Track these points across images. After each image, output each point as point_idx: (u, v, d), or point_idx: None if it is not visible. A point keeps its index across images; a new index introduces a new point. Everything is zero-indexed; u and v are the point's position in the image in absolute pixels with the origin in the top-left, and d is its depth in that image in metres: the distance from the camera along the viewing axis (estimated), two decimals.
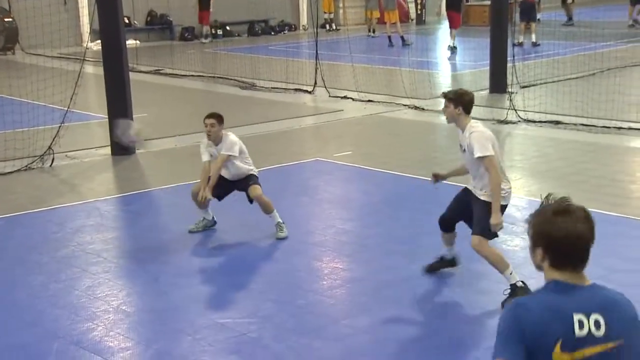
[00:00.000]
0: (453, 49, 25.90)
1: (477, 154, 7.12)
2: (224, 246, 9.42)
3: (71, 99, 13.54)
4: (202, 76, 21.46)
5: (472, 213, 7.46)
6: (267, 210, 9.38)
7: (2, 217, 10.44)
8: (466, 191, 7.62)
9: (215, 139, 9.26)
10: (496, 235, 7.50)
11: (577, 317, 3.44)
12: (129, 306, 7.91)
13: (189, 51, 26.99)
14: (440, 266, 8.00)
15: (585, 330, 3.42)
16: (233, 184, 9.47)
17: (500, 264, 7.32)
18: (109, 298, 7.98)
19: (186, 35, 29.80)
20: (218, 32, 30.54)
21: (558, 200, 3.57)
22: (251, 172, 9.46)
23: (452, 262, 7.99)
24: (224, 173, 9.38)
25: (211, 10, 28.79)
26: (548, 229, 3.47)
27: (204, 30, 29.48)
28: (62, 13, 25.60)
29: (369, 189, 11.74)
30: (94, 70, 17.75)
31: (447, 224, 7.80)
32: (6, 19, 25.70)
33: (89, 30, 26.36)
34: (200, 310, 7.81)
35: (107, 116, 13.57)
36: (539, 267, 3.56)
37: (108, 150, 13.37)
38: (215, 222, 9.65)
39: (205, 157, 9.40)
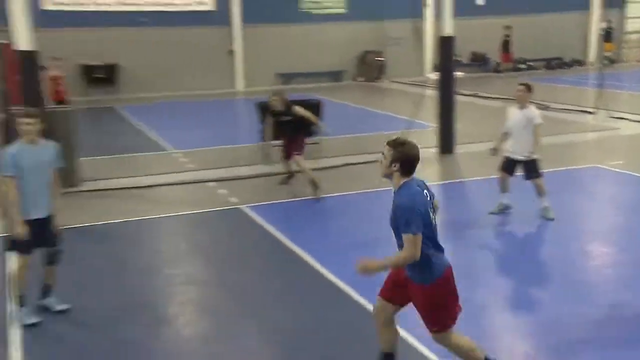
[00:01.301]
0: None
1: None
2: (513, 228, 9.04)
3: (415, 112, 13.82)
4: (507, 99, 20.84)
5: None
6: (542, 193, 8.90)
7: (361, 192, 10.76)
8: None
9: (522, 103, 8.85)
10: None
11: (424, 192, 4.69)
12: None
13: (499, 81, 26.39)
14: None
15: (428, 197, 4.70)
16: (517, 164, 8.95)
17: None
18: None
19: (498, 68, 29.09)
20: (522, 67, 29.51)
21: (403, 138, 4.71)
22: (536, 157, 8.80)
23: None
24: (515, 146, 8.90)
25: (510, 52, 27.83)
26: (406, 153, 4.59)
27: (503, 67, 28.57)
28: (412, 54, 26.12)
29: (637, 191, 10.83)
30: (430, 93, 17.91)
31: None
32: (378, 58, 26.70)
33: (430, 65, 26.79)
34: (494, 271, 7.66)
35: (437, 125, 13.65)
36: (388, 175, 4.71)
37: (436, 149, 13.42)
38: (510, 207, 9.27)
39: (504, 128, 9.05)
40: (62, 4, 22.97)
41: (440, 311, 4.80)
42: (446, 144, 13.43)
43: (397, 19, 26.02)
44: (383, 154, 4.67)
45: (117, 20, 23.41)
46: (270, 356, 5.85)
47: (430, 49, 27.22)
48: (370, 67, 26.74)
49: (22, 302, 6.37)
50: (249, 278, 7.48)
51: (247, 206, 9.95)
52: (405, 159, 4.58)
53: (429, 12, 27.09)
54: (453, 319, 4.88)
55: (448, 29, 13.38)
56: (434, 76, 19.65)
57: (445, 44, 13.55)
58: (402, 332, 5.94)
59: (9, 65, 12.96)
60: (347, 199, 10.52)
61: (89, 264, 7.83)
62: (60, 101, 14.96)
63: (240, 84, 25.22)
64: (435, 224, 4.72)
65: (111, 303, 6.86)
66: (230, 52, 25.00)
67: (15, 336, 6.12)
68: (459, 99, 14.36)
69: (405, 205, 4.53)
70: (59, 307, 6.55)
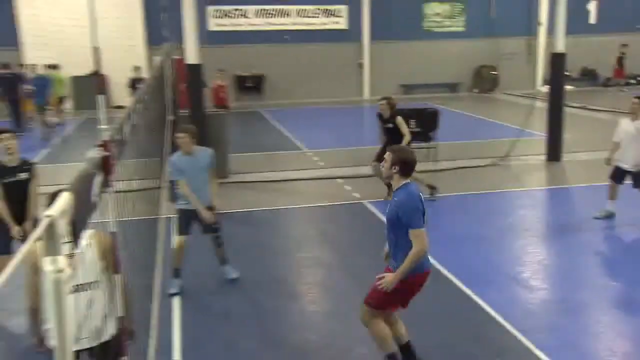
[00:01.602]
0: None
1: None
2: (618, 232, 8.40)
3: (525, 122, 13.25)
4: (615, 111, 19.50)
5: None
6: None
7: (471, 194, 10.40)
8: None
9: (636, 115, 8.22)
10: None
11: (420, 194, 4.64)
12: (548, 261, 7.51)
13: (608, 95, 24.74)
14: None
15: (422, 201, 4.61)
16: (626, 173, 8.29)
17: None
18: (535, 255, 7.64)
19: (608, 83, 27.28)
20: (631, 82, 27.47)
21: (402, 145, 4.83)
22: None
23: None
24: (625, 156, 8.23)
25: (624, 68, 25.89)
26: (406, 157, 4.57)
27: (613, 81, 26.62)
28: (524, 68, 25.14)
29: None
30: (540, 105, 17.09)
31: None
32: (492, 72, 25.79)
33: (541, 79, 25.55)
34: (597, 273, 7.16)
35: (546, 134, 12.97)
36: (389, 177, 4.63)
37: (543, 157, 12.76)
38: (614, 214, 8.59)
39: (615, 138, 8.44)
40: (223, 25, 23.88)
41: (390, 296, 4.63)
42: (554, 152, 12.74)
43: (511, 37, 25.06)
44: (385, 159, 4.66)
45: (265, 38, 24.05)
46: None
47: (542, 64, 25.93)
48: (484, 80, 25.88)
49: (176, 274, 6.69)
50: (367, 264, 7.40)
51: (368, 201, 9.90)
52: (403, 161, 4.55)
53: (542, 30, 25.85)
54: (388, 308, 4.79)
55: (560, 46, 12.70)
56: (544, 89, 18.72)
57: (556, 60, 12.85)
58: (519, 336, 5.68)
59: (179, 76, 13.66)
60: (459, 198, 10.23)
61: (235, 244, 8.05)
62: (223, 106, 15.42)
63: (366, 93, 25.21)
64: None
65: (252, 277, 7.05)
66: (360, 65, 25.04)
67: (175, 302, 6.43)
68: (567, 110, 13.59)
69: (409, 203, 4.50)
70: (233, 275, 6.91)
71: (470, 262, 7.28)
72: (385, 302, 4.72)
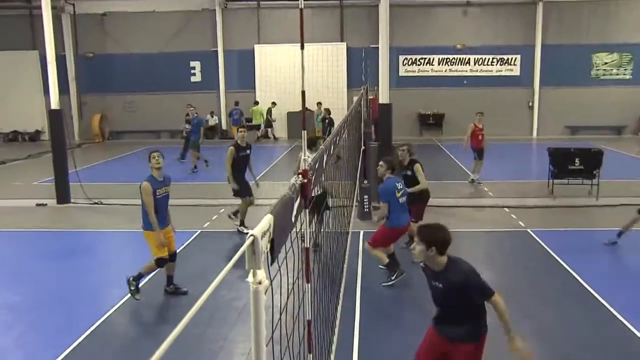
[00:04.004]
0: None
1: None
2: None
3: None
4: None
5: None
6: None
7: (634, 230, 9.23)
8: None
9: None
10: None
11: (397, 184, 6.80)
12: None
13: None
14: None
15: (398, 186, 6.81)
16: None
17: None
18: None
19: None
20: None
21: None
22: None
23: None
24: None
25: None
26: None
27: None
28: None
29: None
30: None
31: None
32: None
33: None
34: None
35: None
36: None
37: None
38: None
39: None
40: (411, 71, 23.98)
41: (381, 235, 6.85)
42: None
43: None
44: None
45: (446, 82, 23.65)
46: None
47: None
48: None
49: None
50: (527, 286, 6.95)
51: (532, 229, 9.23)
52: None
53: None
54: (379, 245, 6.87)
55: None
56: None
57: None
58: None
59: (373, 113, 13.99)
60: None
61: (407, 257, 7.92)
62: (480, 148, 13.36)
63: (535, 132, 23.55)
64: (401, 201, 6.70)
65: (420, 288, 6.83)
66: (530, 107, 23.50)
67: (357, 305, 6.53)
68: None
69: (381, 188, 6.76)
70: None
71: (628, 293, 6.52)
72: (379, 242, 6.87)
